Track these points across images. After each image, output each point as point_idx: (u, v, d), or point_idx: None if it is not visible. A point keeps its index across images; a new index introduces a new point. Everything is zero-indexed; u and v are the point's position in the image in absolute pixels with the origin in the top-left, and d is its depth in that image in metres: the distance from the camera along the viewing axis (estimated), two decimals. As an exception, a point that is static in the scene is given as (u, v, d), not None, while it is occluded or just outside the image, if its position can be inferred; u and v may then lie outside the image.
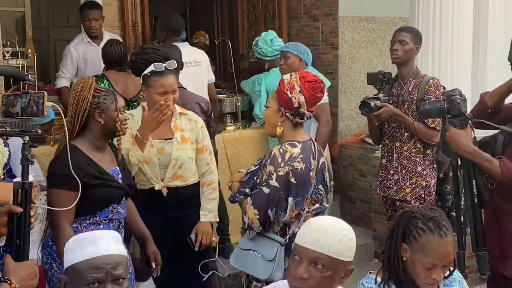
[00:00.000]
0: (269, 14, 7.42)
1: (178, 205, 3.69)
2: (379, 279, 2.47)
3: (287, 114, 3.13)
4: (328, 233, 2.05)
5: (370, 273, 2.55)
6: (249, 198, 3.13)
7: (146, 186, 3.64)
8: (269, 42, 5.64)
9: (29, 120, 2.26)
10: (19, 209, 2.22)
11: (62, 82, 5.65)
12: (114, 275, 1.99)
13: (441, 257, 2.37)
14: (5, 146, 2.90)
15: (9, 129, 2.27)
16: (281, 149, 3.10)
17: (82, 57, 5.78)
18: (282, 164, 3.06)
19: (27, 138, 2.26)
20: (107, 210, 3.12)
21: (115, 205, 3.15)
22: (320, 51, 6.90)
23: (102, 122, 3.06)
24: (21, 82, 5.15)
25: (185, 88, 4.41)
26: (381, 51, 6.78)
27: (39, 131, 2.29)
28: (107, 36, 5.95)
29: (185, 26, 8.43)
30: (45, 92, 2.27)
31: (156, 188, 3.63)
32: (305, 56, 5.12)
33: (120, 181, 3.17)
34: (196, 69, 5.33)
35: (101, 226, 3.11)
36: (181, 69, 4.35)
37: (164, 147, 3.63)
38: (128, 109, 4.75)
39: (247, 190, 3.19)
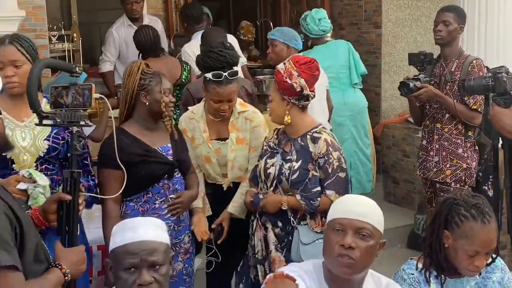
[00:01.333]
0: (311, -7, 7.36)
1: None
2: (420, 265, 2.48)
3: (292, 101, 3.21)
4: (369, 205, 2.22)
5: (411, 259, 2.56)
6: (327, 191, 3.20)
7: (212, 181, 3.71)
8: (317, 21, 5.54)
9: (77, 112, 2.33)
10: (68, 197, 2.30)
11: (106, 66, 5.75)
12: (149, 261, 2.04)
13: (484, 244, 2.36)
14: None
15: (58, 120, 2.34)
16: (329, 134, 3.27)
17: (124, 40, 5.85)
18: (340, 147, 3.27)
19: (75, 128, 2.33)
20: (158, 186, 3.23)
21: (165, 181, 3.25)
22: (363, 30, 6.83)
23: (147, 103, 3.17)
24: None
25: None
26: (425, 29, 6.65)
27: (87, 122, 2.36)
28: (146, 19, 6.02)
29: (229, 8, 8.49)
30: (92, 84, 2.35)
31: (221, 183, 3.67)
32: (293, 42, 4.88)
33: (170, 157, 3.26)
34: None
35: (157, 204, 3.24)
36: None
37: (220, 148, 3.62)
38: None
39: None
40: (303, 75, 3.18)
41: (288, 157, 3.27)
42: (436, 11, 4.43)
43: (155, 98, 3.19)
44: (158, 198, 3.26)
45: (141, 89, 3.19)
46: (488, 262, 2.46)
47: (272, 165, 3.31)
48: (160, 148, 3.26)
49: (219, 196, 3.68)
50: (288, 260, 3.19)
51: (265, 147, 3.45)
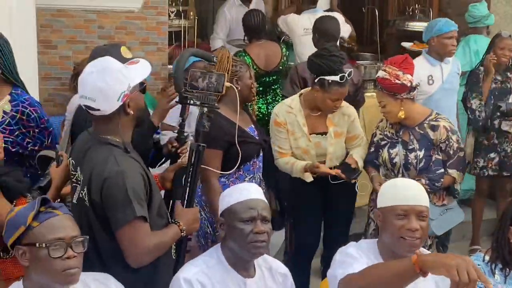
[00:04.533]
0: (421, -19, 7.38)
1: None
2: (487, 258, 2.65)
3: (404, 96, 3.67)
4: (421, 189, 2.44)
5: (479, 251, 2.76)
6: (450, 170, 3.73)
7: None
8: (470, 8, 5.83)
9: (210, 95, 2.70)
10: (182, 163, 2.70)
11: (218, 43, 6.08)
12: (263, 216, 2.39)
13: None
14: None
15: (194, 101, 2.72)
16: (445, 120, 3.76)
17: (235, 19, 6.11)
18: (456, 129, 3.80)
19: (205, 109, 2.70)
20: (249, 165, 3.56)
21: (254, 160, 3.58)
22: (470, 22, 6.79)
23: (239, 88, 3.45)
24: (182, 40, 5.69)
25: None
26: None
27: (216, 105, 2.72)
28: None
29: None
30: (225, 74, 2.71)
31: None
32: None
33: (257, 138, 3.60)
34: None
35: (246, 181, 3.55)
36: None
37: (320, 141, 3.89)
38: (267, 79, 5.10)
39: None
40: (407, 71, 3.58)
41: (411, 147, 3.73)
42: None
43: (246, 83, 3.51)
44: (248, 176, 3.58)
45: (233, 75, 3.47)
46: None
47: (396, 154, 3.76)
48: (248, 129, 3.58)
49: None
50: None
51: (380, 136, 3.88)
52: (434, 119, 3.76)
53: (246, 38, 5.27)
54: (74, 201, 2.46)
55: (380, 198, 2.46)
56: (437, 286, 2.38)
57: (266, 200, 2.49)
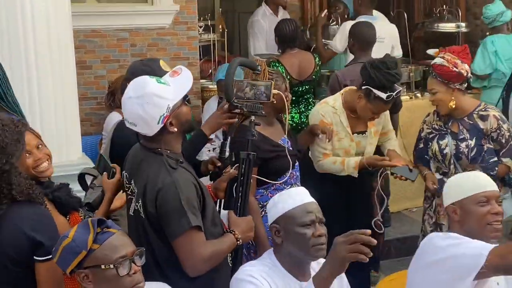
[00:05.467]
0: (446, -19, 7.36)
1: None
2: None
3: (457, 86, 3.68)
4: (486, 175, 2.56)
5: None
6: (503, 159, 3.75)
7: None
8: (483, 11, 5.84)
9: (256, 103, 2.73)
10: (235, 173, 2.70)
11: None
12: (320, 218, 2.39)
13: None
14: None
15: (244, 109, 2.76)
16: (495, 110, 3.81)
17: (269, 28, 5.98)
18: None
19: (253, 117, 2.72)
20: (285, 176, 3.50)
21: (291, 171, 3.52)
22: (498, 20, 6.75)
23: (275, 101, 3.30)
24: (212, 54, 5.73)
25: None
26: None
27: (263, 113, 2.74)
28: (281, 10, 6.30)
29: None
30: (272, 81, 2.72)
31: None
32: None
33: (291, 148, 3.52)
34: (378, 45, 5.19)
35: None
36: None
37: (360, 141, 3.91)
38: (301, 88, 5.07)
39: None
40: (465, 60, 3.66)
41: (461, 137, 3.73)
42: None
43: (282, 95, 3.41)
44: (286, 186, 3.48)
45: None
46: None
47: (446, 145, 3.77)
48: (281, 141, 3.51)
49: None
50: None
51: (428, 130, 3.89)
52: (483, 109, 3.77)
53: (279, 48, 5.23)
54: (131, 213, 2.49)
55: (453, 193, 2.51)
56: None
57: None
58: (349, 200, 4.04)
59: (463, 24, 6.58)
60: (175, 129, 2.41)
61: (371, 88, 3.63)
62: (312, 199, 2.45)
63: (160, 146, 2.41)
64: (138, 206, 2.41)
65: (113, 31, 5.19)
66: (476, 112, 3.77)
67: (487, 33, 6.01)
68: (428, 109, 5.95)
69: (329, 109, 3.87)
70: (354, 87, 3.90)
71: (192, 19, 5.35)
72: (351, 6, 6.25)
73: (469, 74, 3.73)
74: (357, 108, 3.79)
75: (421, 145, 3.94)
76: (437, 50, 6.43)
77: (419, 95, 6.18)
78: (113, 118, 4.69)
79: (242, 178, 2.65)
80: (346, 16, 6.13)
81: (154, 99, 2.33)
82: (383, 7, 7.72)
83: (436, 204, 3.84)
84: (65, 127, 3.81)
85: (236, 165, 2.72)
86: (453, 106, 3.70)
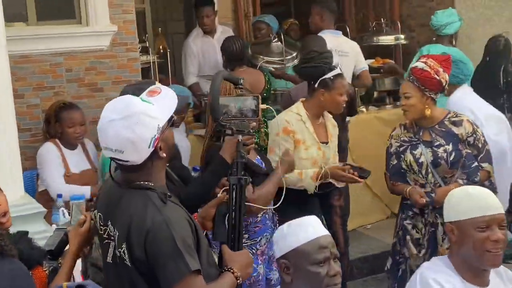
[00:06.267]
0: (379, -5, 7.38)
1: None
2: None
3: (432, 95, 3.57)
4: (492, 195, 2.32)
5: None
6: (482, 164, 3.63)
7: None
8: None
9: (244, 121, 2.44)
10: (223, 197, 2.42)
11: (192, 78, 5.85)
12: (335, 254, 2.16)
13: None
14: None
15: (233, 128, 2.50)
16: (466, 116, 3.73)
17: (201, 50, 5.94)
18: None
19: (240, 137, 2.44)
20: None
21: None
22: (435, 32, 6.80)
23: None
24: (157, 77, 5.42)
25: None
26: (498, 29, 6.59)
27: (251, 131, 2.46)
28: (219, 29, 6.12)
29: (290, 13, 8.47)
30: (259, 95, 2.45)
31: None
32: None
33: (265, 168, 3.38)
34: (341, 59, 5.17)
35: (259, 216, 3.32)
36: None
37: (325, 151, 3.81)
38: None
39: None
40: (447, 70, 3.54)
41: (437, 143, 3.61)
42: (508, 9, 4.45)
43: None
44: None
45: None
46: None
47: (421, 154, 3.61)
48: (256, 161, 3.37)
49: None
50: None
51: (397, 144, 3.73)
52: (454, 116, 3.70)
53: (226, 66, 5.07)
54: (109, 260, 2.13)
55: (452, 211, 2.31)
56: None
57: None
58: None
59: (402, 36, 6.59)
60: (164, 155, 2.10)
61: (324, 77, 3.67)
62: (326, 231, 2.21)
63: (144, 178, 2.09)
64: (121, 252, 2.06)
65: (46, 56, 4.77)
66: (448, 119, 3.68)
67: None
68: (375, 123, 6.00)
69: (294, 116, 3.74)
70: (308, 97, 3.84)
71: (131, 40, 5.00)
72: (275, 25, 6.24)
73: (446, 86, 3.62)
74: (325, 106, 3.76)
75: (394, 161, 3.76)
76: (373, 60, 6.43)
77: (364, 109, 6.11)
78: (47, 149, 4.39)
79: (234, 206, 2.35)
80: (270, 35, 5.98)
81: (144, 119, 2.02)
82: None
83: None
84: (5, 162, 3.43)
85: (225, 188, 2.44)
86: (429, 114, 3.59)
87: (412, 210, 3.69)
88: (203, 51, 5.96)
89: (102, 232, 2.17)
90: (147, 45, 5.56)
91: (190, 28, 6.88)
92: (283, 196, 2.97)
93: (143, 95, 2.13)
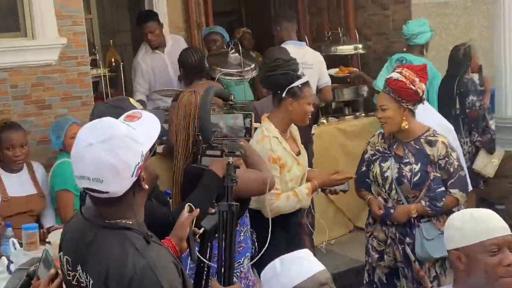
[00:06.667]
0: (333, 4, 7.26)
1: None
2: None
3: (409, 106, 3.43)
4: (497, 216, 2.17)
5: None
6: (452, 190, 3.47)
7: None
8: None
9: (235, 141, 2.24)
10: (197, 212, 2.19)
11: (140, 96, 5.60)
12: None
13: None
14: None
15: (224, 149, 2.30)
16: (443, 137, 3.54)
17: (151, 67, 5.71)
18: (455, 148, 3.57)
19: (231, 159, 2.21)
20: (244, 217, 3.19)
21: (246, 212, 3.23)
22: (392, 40, 6.74)
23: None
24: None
25: None
26: (455, 37, 6.58)
27: (243, 152, 2.25)
28: (169, 40, 5.88)
29: (242, 22, 8.30)
30: (252, 113, 2.24)
31: None
32: None
33: None
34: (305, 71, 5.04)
35: (242, 235, 3.19)
36: None
37: (301, 162, 3.70)
38: None
39: None
40: (423, 80, 3.39)
41: (406, 160, 3.47)
42: (464, 17, 4.39)
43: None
44: (243, 229, 3.21)
45: None
46: None
47: (388, 168, 3.50)
48: None
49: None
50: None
51: (371, 151, 3.64)
52: (431, 135, 3.54)
53: (184, 80, 4.81)
54: (80, 311, 1.84)
55: (457, 236, 2.13)
56: None
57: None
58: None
59: (360, 46, 6.49)
60: (147, 186, 1.84)
61: (291, 86, 3.51)
62: (322, 266, 2.00)
63: (121, 214, 1.82)
64: None
65: (-13, 72, 4.42)
66: (424, 137, 3.53)
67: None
68: (337, 135, 5.87)
69: (274, 141, 3.52)
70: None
71: (82, 53, 4.67)
72: (227, 36, 6.07)
73: (424, 96, 3.46)
74: (293, 118, 3.60)
75: (363, 168, 3.68)
76: (337, 69, 6.30)
77: (324, 121, 5.98)
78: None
79: (224, 235, 2.09)
80: (225, 46, 5.77)
81: (129, 142, 1.76)
82: (267, 29, 7.50)
83: (414, 268, 3.48)
84: None
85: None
86: (406, 127, 3.45)
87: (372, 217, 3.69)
88: (153, 68, 5.73)
89: (70, 278, 1.88)
90: (97, 57, 5.23)
91: (137, 38, 6.59)
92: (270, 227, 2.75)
93: (121, 119, 1.87)
